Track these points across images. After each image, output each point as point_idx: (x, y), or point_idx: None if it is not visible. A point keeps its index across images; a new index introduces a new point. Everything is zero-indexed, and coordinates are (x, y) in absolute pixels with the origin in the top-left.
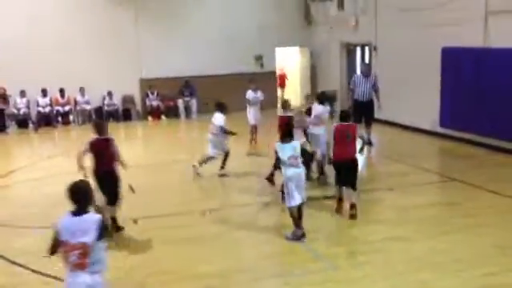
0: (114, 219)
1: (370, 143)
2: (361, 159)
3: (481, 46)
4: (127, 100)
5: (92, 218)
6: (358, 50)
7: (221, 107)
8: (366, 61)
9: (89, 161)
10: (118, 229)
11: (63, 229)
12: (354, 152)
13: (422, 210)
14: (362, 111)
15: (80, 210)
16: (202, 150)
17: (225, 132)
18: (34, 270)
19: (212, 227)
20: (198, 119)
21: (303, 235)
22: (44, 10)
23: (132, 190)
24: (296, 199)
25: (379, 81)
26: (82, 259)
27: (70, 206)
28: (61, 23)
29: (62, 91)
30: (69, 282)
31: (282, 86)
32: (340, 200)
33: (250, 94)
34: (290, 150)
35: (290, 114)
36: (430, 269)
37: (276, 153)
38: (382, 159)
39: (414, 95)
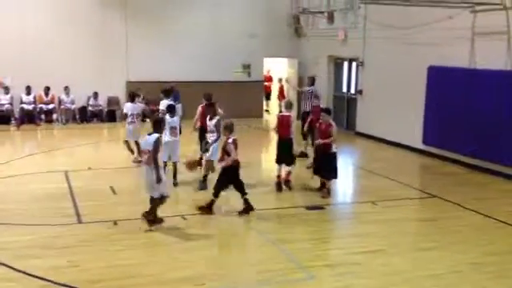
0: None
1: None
2: None
3: (466, 66)
4: (112, 101)
5: (153, 138)
6: (346, 64)
7: (165, 93)
8: (353, 75)
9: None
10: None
11: (142, 143)
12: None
13: (402, 225)
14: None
15: (150, 133)
16: (183, 152)
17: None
18: (5, 265)
19: (194, 232)
20: (182, 123)
21: (175, 185)
22: (33, 9)
23: (113, 191)
24: (165, 158)
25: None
26: (149, 159)
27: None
28: (49, 21)
29: (47, 89)
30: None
31: (283, 96)
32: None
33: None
34: (173, 123)
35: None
36: (407, 283)
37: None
38: (365, 173)
39: (398, 111)
